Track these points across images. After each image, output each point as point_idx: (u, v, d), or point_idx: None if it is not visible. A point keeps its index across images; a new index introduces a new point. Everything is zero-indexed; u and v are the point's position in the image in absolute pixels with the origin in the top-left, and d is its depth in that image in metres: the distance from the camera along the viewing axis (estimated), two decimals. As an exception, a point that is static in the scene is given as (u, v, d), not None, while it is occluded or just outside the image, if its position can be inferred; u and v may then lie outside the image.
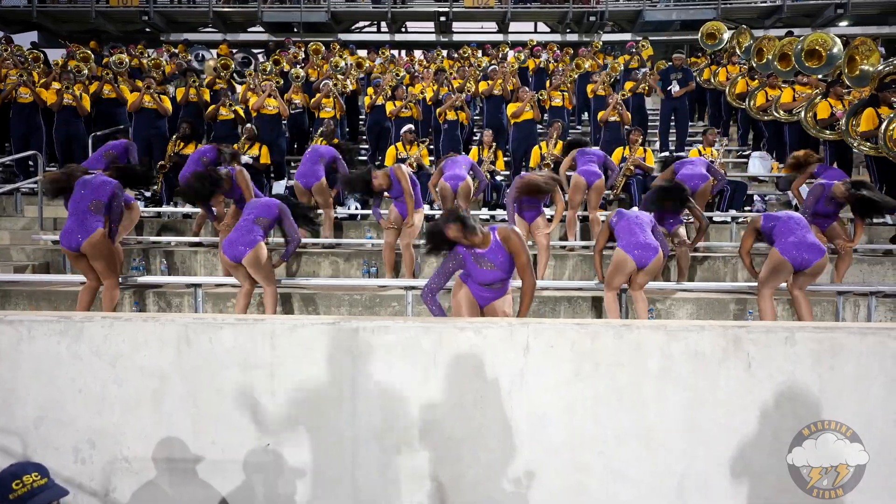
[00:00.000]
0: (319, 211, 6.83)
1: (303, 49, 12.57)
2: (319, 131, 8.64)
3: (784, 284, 5.02)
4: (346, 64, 10.65)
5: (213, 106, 8.75)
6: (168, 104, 8.66)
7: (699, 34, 11.39)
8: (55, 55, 12.60)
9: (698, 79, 10.71)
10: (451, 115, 8.83)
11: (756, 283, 5.08)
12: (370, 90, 9.94)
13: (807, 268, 4.78)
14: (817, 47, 7.62)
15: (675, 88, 10.04)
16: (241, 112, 8.87)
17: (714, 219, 7.49)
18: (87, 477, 2.86)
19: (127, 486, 2.87)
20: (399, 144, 8.30)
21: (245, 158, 7.28)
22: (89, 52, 10.10)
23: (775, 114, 8.70)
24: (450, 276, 3.69)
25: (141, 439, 2.86)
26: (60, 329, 2.85)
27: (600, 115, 8.93)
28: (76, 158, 8.17)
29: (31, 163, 8.65)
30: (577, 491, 2.82)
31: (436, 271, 3.68)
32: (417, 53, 15.64)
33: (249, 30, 18.58)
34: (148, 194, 8.32)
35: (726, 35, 11.03)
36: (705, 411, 2.80)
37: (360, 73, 11.13)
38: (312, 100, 9.35)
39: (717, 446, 2.80)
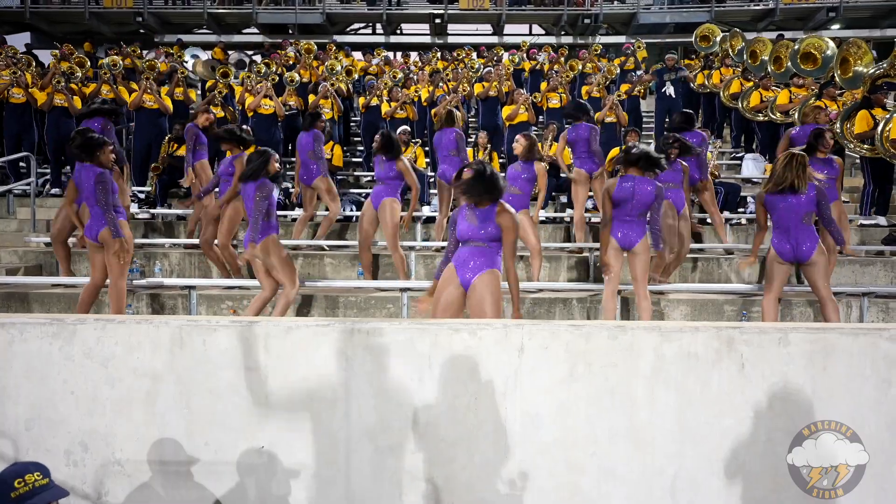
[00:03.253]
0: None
1: (296, 46, 12.55)
2: None
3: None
4: (341, 67, 10.65)
5: (201, 103, 8.74)
6: (169, 103, 8.64)
7: (693, 36, 11.45)
8: (49, 57, 12.54)
9: (691, 84, 10.77)
10: (445, 117, 8.83)
11: (754, 284, 5.10)
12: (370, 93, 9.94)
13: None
14: (812, 50, 7.67)
15: (669, 90, 10.07)
16: (229, 113, 8.89)
17: (708, 220, 7.52)
18: (80, 480, 2.84)
19: (120, 488, 2.85)
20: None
21: None
22: (83, 56, 10.09)
23: (772, 115, 8.76)
24: (454, 244, 3.88)
25: (134, 442, 2.85)
26: (53, 331, 2.84)
27: (597, 115, 8.95)
28: (68, 159, 8.15)
29: (22, 164, 8.61)
30: (571, 491, 2.82)
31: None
32: (413, 55, 15.64)
33: (244, 31, 18.54)
34: (142, 196, 8.29)
35: (719, 38, 11.10)
36: (698, 412, 2.81)
37: (352, 79, 11.13)
38: (311, 102, 9.35)
39: (710, 447, 2.81)
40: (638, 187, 4.71)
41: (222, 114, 8.63)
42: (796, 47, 7.81)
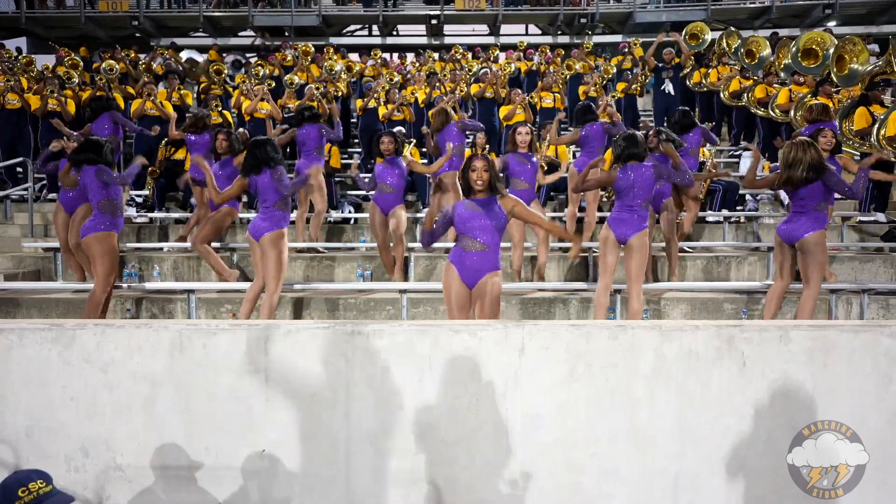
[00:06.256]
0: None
1: (295, 50, 12.53)
2: None
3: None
4: (339, 68, 10.64)
5: (199, 109, 8.71)
6: (170, 108, 8.63)
7: (683, 35, 11.45)
8: (44, 62, 12.52)
9: (687, 82, 10.77)
10: (442, 117, 8.82)
11: (754, 282, 5.09)
12: (368, 96, 9.94)
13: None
14: (814, 46, 7.63)
15: (668, 88, 10.08)
16: (229, 116, 8.86)
17: (707, 219, 7.52)
18: (81, 486, 2.84)
19: (121, 494, 2.85)
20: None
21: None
22: (78, 59, 10.07)
23: (772, 113, 8.78)
24: (442, 228, 3.92)
25: (134, 447, 2.84)
26: (52, 337, 2.83)
27: None
28: (63, 164, 8.15)
29: (19, 170, 8.60)
30: (572, 492, 2.82)
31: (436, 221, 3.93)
32: (409, 56, 15.62)
33: (240, 34, 18.51)
34: (140, 200, 8.28)
35: (709, 36, 11.12)
36: (699, 412, 2.81)
37: (351, 76, 11.12)
38: (295, 105, 9.34)
39: (711, 447, 2.81)
40: (636, 173, 4.77)
41: (220, 120, 8.62)
42: (795, 46, 7.78)
